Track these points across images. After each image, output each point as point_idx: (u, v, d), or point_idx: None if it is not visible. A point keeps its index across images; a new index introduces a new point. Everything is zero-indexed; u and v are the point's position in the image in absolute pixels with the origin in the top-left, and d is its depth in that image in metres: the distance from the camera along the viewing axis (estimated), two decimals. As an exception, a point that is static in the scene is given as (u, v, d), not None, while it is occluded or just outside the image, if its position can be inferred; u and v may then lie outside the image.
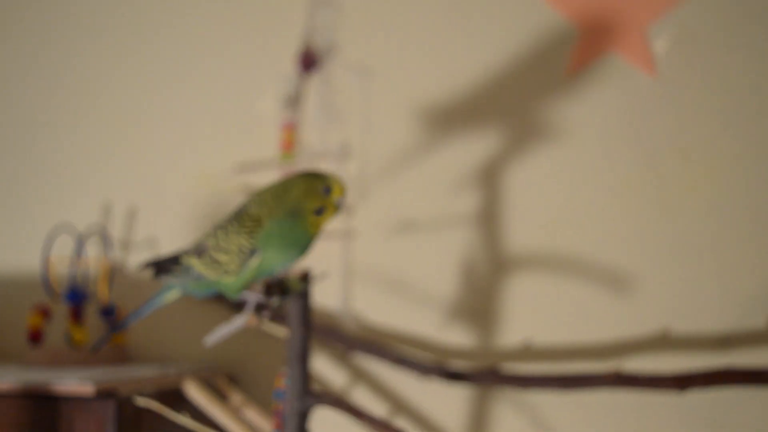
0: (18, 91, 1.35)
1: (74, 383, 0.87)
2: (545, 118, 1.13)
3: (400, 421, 1.13)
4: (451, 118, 1.16)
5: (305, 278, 0.78)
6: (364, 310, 1.16)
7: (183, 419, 0.83)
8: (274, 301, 0.73)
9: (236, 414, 0.97)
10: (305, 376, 0.78)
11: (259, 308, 0.73)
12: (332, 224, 1.17)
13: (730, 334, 1.04)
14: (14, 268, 1.31)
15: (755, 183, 1.05)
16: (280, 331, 0.85)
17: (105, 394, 0.88)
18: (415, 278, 1.15)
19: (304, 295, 0.77)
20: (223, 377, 1.08)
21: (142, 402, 0.85)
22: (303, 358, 0.78)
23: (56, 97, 1.33)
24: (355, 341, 1.10)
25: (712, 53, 1.08)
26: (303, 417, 0.78)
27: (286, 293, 0.74)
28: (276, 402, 0.80)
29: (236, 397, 1.03)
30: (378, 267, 1.16)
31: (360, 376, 1.15)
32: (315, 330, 1.11)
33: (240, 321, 0.74)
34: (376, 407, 1.13)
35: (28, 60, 1.35)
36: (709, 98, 1.08)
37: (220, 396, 1.03)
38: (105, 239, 1.22)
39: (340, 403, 0.77)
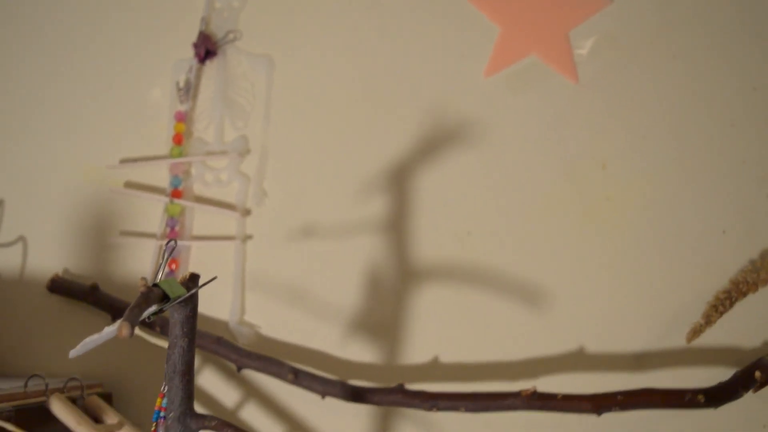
0: None
1: None
2: (461, 120, 1.06)
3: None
4: (359, 116, 1.08)
5: (192, 281, 0.68)
6: (258, 321, 1.06)
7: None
8: (150, 310, 0.62)
9: (108, 436, 0.86)
10: (188, 395, 0.68)
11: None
12: (225, 227, 1.07)
13: (648, 352, 0.98)
14: None
15: (675, 196, 1.01)
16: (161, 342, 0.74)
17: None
18: (315, 289, 1.06)
19: (188, 301, 0.67)
20: (95, 395, 0.96)
21: (-4, 423, 0.73)
22: (185, 374, 0.68)
23: None
24: (248, 356, 1.01)
25: (633, 61, 1.03)
26: (184, 442, 0.68)
27: (166, 300, 0.63)
28: (154, 424, 0.69)
29: (111, 417, 0.92)
30: (274, 275, 1.06)
31: (253, 394, 1.05)
32: (202, 343, 1.01)
33: (110, 331, 0.63)
34: (272, 429, 1.03)
35: None
36: (629, 107, 1.03)
37: (93, 416, 0.91)
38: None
39: (227, 425, 0.67)
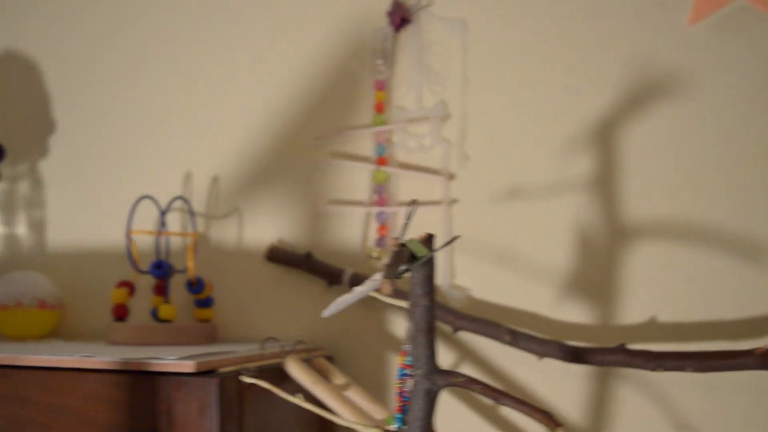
0: (100, 66, 1.29)
1: (174, 360, 0.80)
2: (667, 72, 1.02)
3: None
4: (558, 72, 1.06)
5: (428, 242, 0.69)
6: (468, 284, 1.07)
7: (294, 399, 0.75)
8: (402, 269, 0.64)
9: (340, 395, 0.89)
10: (432, 352, 0.69)
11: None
12: (430, 192, 1.09)
13: None
14: (95, 244, 1.25)
15: None
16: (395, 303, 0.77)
17: (206, 371, 0.81)
18: (524, 250, 1.05)
19: (428, 262, 0.69)
20: (322, 357, 1.00)
21: (248, 380, 0.78)
22: (428, 332, 0.69)
23: (138, 70, 1.26)
24: (463, 318, 1.02)
25: None
26: (430, 398, 0.69)
27: (414, 260, 0.65)
28: (399, 382, 0.72)
29: (338, 378, 0.96)
30: (482, 238, 1.07)
31: (468, 356, 1.06)
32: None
33: (361, 290, 0.65)
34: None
35: (110, 33, 1.29)
36: None
37: (322, 376, 0.95)
38: (190, 211, 1.15)
39: (474, 381, 0.68)
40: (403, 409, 0.72)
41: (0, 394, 0.87)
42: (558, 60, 1.06)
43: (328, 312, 0.67)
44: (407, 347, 0.71)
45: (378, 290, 0.59)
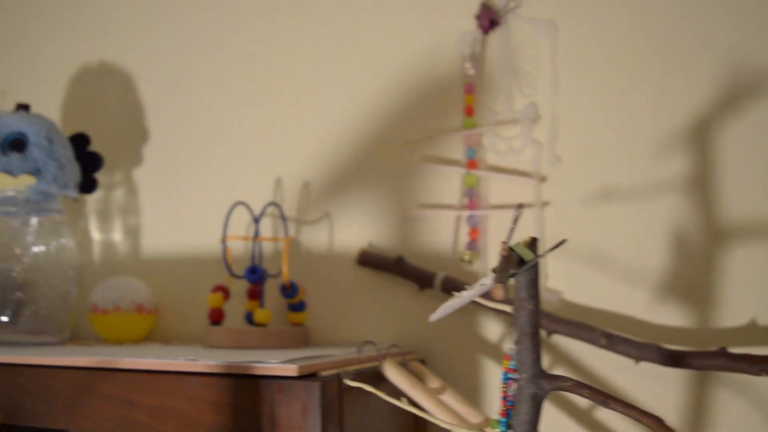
0: (192, 75, 1.32)
1: (278, 364, 0.82)
2: (764, 69, 1.00)
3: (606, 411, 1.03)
4: (651, 72, 1.04)
5: (533, 246, 0.69)
6: (561, 287, 1.06)
7: (399, 402, 0.76)
8: (511, 273, 0.64)
9: (437, 398, 0.90)
10: (537, 355, 0.69)
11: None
12: (520, 195, 1.08)
13: None
14: (187, 249, 1.28)
15: None
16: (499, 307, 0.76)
17: (308, 375, 0.82)
18: (618, 252, 1.04)
19: (532, 266, 0.68)
20: (416, 361, 1.01)
21: (352, 383, 0.78)
22: (534, 335, 0.69)
23: (228, 78, 1.29)
24: (558, 321, 1.01)
25: None
26: (536, 402, 0.69)
27: (522, 264, 0.65)
28: (503, 386, 0.72)
29: (433, 382, 0.96)
30: (575, 240, 1.06)
31: (561, 359, 1.05)
32: (499, 309, 1.03)
33: (469, 295, 0.65)
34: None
35: (201, 43, 1.32)
36: None
37: (418, 380, 0.95)
38: (281, 216, 1.17)
39: (582, 386, 0.68)
40: (508, 414, 0.72)
41: (106, 396, 0.90)
42: (651, 59, 1.04)
43: (435, 316, 0.68)
44: (511, 351, 0.71)
45: (486, 295, 0.58)
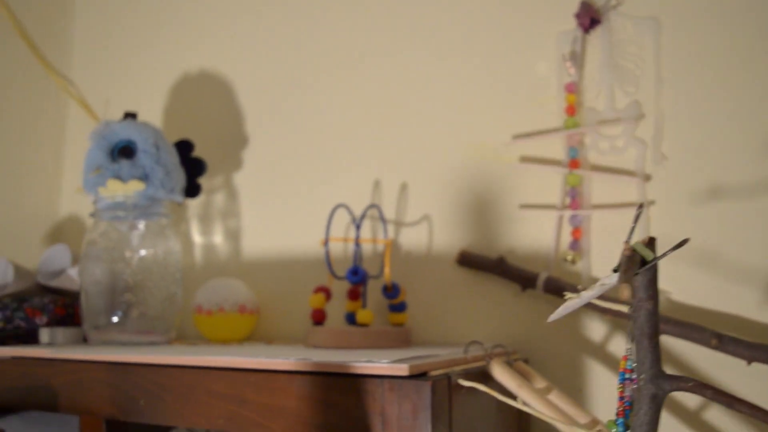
0: (289, 80, 1.35)
1: (388, 364, 0.82)
2: None
3: (715, 411, 1.01)
4: (757, 68, 1.02)
5: (651, 246, 0.68)
6: (668, 287, 1.05)
7: (513, 402, 0.76)
8: (632, 273, 0.63)
9: (545, 399, 0.89)
10: (656, 356, 0.68)
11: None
12: (624, 194, 1.07)
13: None
14: (285, 251, 1.31)
15: None
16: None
17: (418, 374, 0.82)
18: (727, 251, 1.02)
19: (651, 266, 0.67)
20: (521, 361, 1.00)
21: (465, 383, 0.79)
22: (653, 336, 0.68)
23: (325, 82, 1.31)
24: (665, 321, 0.99)
25: None
26: (656, 403, 0.68)
27: (644, 263, 0.64)
28: (620, 386, 0.71)
29: (538, 382, 0.96)
30: (682, 239, 1.04)
31: (668, 360, 1.03)
32: (612, 309, 1.02)
33: (588, 295, 0.65)
34: (694, 398, 1.01)
35: (297, 48, 1.34)
36: None
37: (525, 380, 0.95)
38: (381, 218, 1.18)
39: (705, 387, 0.66)
40: (625, 414, 0.71)
41: (216, 393, 0.93)
42: (757, 54, 1.02)
43: (555, 316, 0.67)
44: (628, 351, 0.70)
45: (603, 295, 0.58)
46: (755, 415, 0.64)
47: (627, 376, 0.71)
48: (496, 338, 1.12)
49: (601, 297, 0.98)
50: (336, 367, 0.86)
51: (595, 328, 1.08)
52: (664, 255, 0.65)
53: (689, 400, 1.02)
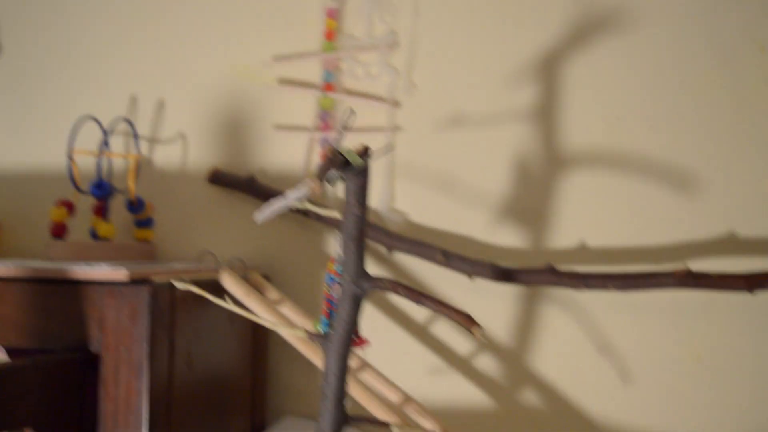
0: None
1: (107, 270, 0.81)
2: (609, 6, 1.04)
3: (443, 323, 1.07)
4: (506, 4, 1.07)
5: (365, 154, 0.70)
6: (407, 209, 1.09)
7: (223, 302, 0.76)
8: (336, 175, 0.65)
9: (272, 308, 0.91)
10: (361, 258, 0.71)
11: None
12: (375, 119, 1.10)
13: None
14: (37, 162, 1.24)
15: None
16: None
17: (139, 280, 0.81)
18: (464, 176, 1.07)
19: (362, 172, 0.70)
20: (258, 274, 1.01)
21: (181, 285, 0.78)
22: (359, 240, 0.71)
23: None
24: (398, 239, 1.04)
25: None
26: (356, 301, 0.71)
27: (347, 167, 0.66)
28: (327, 287, 0.73)
29: (272, 294, 0.97)
30: (424, 165, 1.08)
31: (402, 276, 1.08)
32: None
33: (294, 196, 0.66)
34: (421, 309, 1.06)
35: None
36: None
37: (257, 291, 0.96)
38: (133, 132, 1.15)
39: (399, 285, 0.70)
40: (330, 314, 0.74)
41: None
42: (505, -8, 1.07)
43: (260, 217, 0.68)
44: (337, 255, 0.72)
45: (309, 193, 0.60)
46: (441, 311, 0.68)
47: (334, 278, 0.74)
48: (243, 255, 1.12)
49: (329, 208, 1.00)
50: (54, 272, 0.84)
51: (336, 245, 1.10)
52: (368, 159, 0.67)
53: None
